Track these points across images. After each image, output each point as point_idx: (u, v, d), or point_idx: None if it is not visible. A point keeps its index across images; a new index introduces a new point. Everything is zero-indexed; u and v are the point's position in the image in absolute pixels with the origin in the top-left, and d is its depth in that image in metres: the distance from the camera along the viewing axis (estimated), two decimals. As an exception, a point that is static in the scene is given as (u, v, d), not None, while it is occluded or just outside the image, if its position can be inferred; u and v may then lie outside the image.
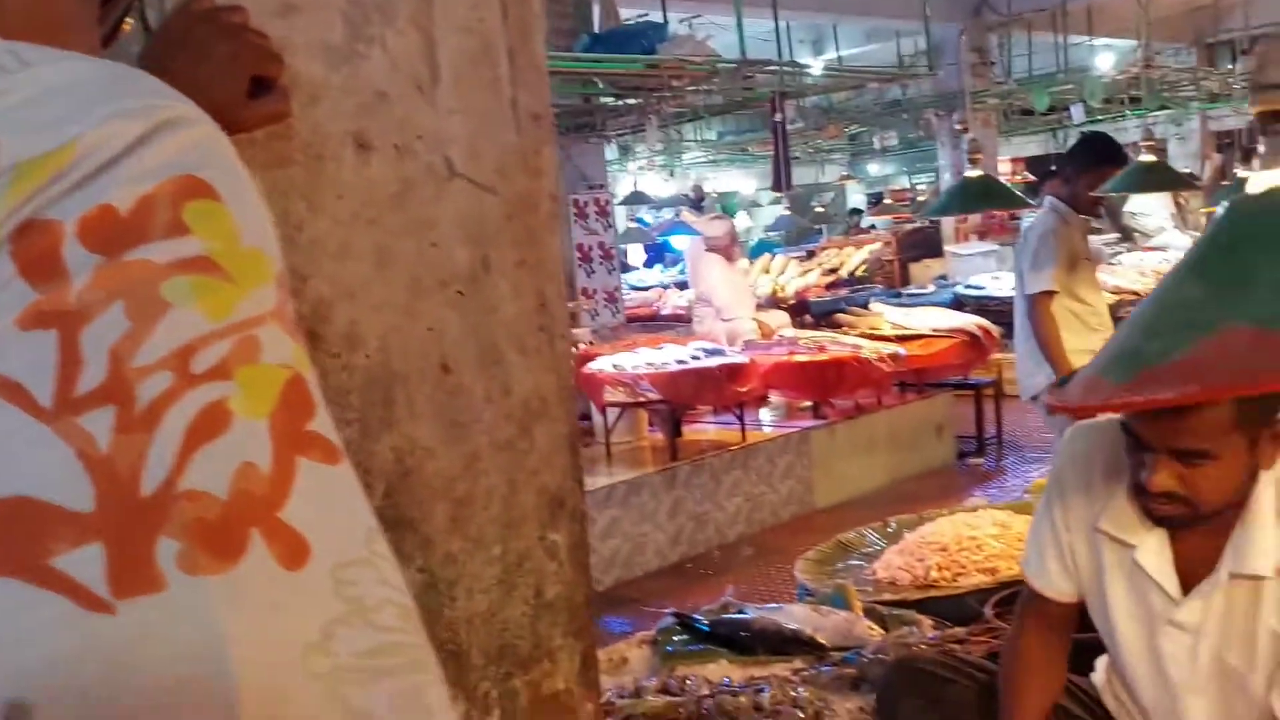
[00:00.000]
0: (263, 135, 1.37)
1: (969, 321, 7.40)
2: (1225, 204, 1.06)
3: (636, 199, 9.86)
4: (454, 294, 1.51)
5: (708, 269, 7.68)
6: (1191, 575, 1.74)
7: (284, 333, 0.64)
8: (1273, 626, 1.67)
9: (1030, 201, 4.64)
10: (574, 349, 6.05)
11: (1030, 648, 1.95)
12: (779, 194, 10.21)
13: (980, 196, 3.23)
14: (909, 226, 13.48)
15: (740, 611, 2.67)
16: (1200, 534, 1.71)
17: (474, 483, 1.53)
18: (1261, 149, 0.91)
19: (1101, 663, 2.01)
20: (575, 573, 1.64)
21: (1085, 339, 4.16)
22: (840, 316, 8.17)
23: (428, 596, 1.46)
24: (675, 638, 2.65)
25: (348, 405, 1.39)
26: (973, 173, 3.29)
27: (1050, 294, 4.17)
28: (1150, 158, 3.58)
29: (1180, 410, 1.56)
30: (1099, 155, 4.14)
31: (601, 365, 5.78)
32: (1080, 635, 2.00)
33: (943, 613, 2.59)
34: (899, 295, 10.63)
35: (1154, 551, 1.75)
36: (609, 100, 6.76)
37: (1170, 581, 1.75)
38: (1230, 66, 10.28)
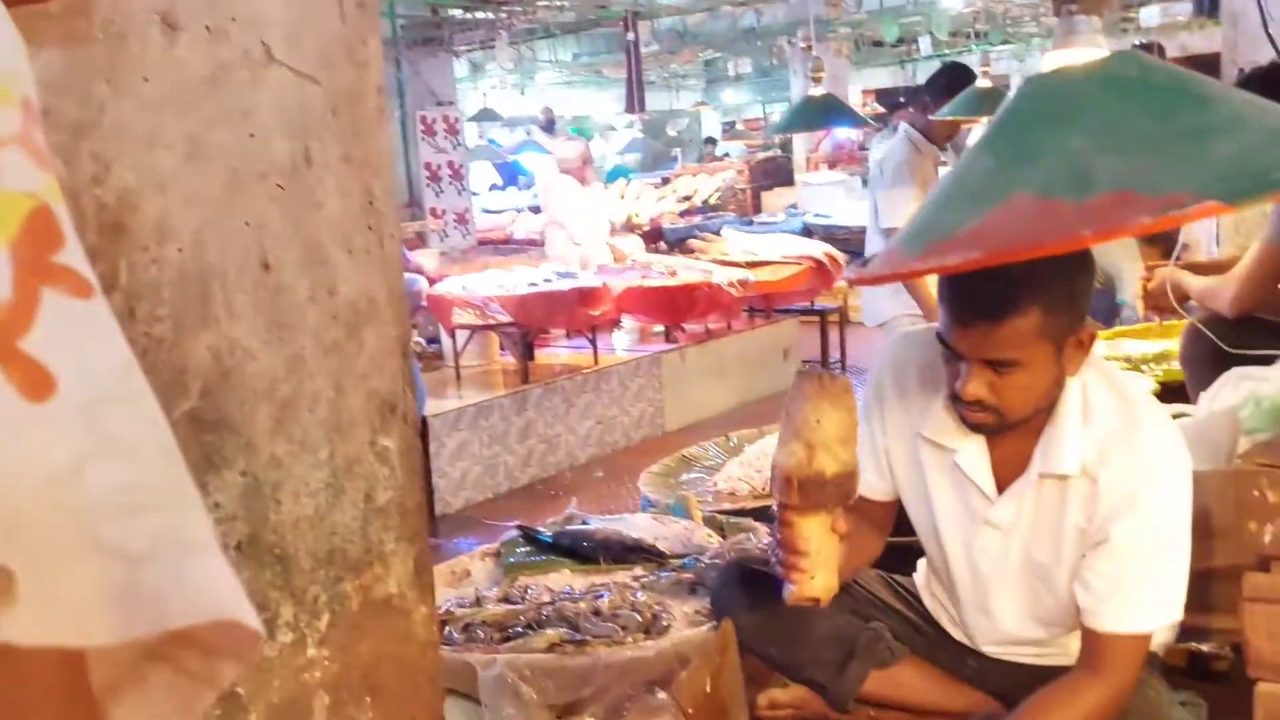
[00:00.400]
0: (58, 9, 1.28)
1: (816, 248, 7.54)
2: (1021, 83, 1.11)
3: (486, 116, 9.66)
4: (274, 188, 1.45)
5: (560, 192, 7.61)
6: (1007, 476, 1.82)
7: (30, 160, 0.60)
8: (1077, 522, 1.77)
9: (870, 122, 4.72)
10: (421, 271, 5.94)
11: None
12: (633, 117, 10.15)
13: (822, 114, 3.28)
14: (761, 156, 13.63)
15: (584, 523, 2.69)
16: (1015, 437, 1.79)
17: (299, 385, 1.48)
18: (1056, 30, 0.94)
19: (922, 563, 2.10)
20: (407, 478, 1.61)
21: None
22: (692, 242, 8.22)
23: (252, 500, 1.42)
24: (519, 549, 2.66)
25: (159, 301, 1.32)
26: (816, 91, 3.33)
27: None
28: (987, 84, 3.67)
29: (992, 321, 1.63)
30: (958, 84, 4.13)
31: (450, 287, 5.70)
32: (903, 539, 2.08)
33: (779, 520, 2.66)
34: (751, 223, 10.78)
35: (973, 455, 1.83)
36: (457, 13, 6.57)
37: (988, 483, 1.83)
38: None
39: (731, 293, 6.52)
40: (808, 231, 9.51)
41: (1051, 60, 0.97)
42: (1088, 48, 0.97)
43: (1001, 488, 1.83)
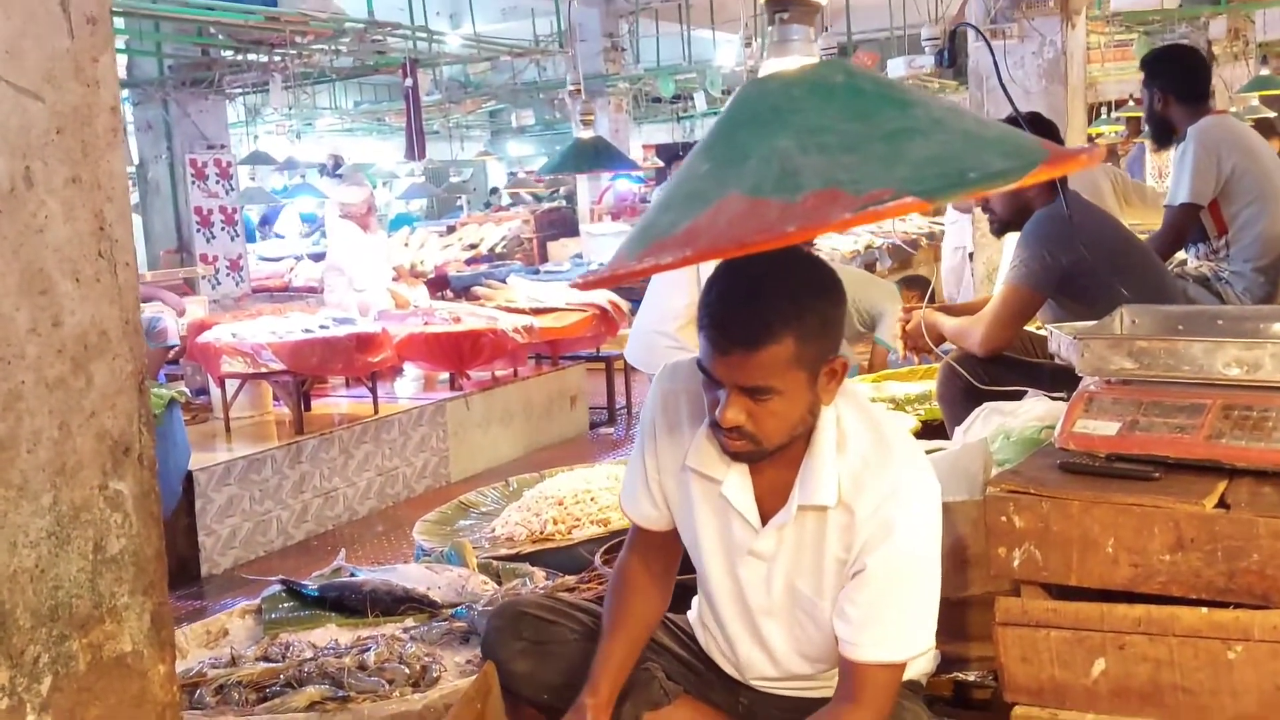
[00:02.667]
0: None
1: (600, 296, 7.60)
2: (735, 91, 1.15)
3: (259, 159, 9.32)
4: (-13, 209, 1.32)
5: (341, 237, 7.40)
6: (771, 507, 1.85)
7: None
8: (836, 554, 1.80)
9: (639, 165, 4.81)
10: (180, 315, 5.62)
11: (632, 567, 2.03)
12: (414, 163, 10.02)
13: (592, 156, 3.31)
14: (546, 206, 13.71)
15: (352, 575, 2.56)
16: (776, 468, 1.82)
17: (16, 424, 1.35)
18: (770, 38, 0.97)
19: (697, 600, 2.10)
20: (144, 525, 1.49)
21: None
22: (477, 289, 8.15)
23: (-43, 553, 1.28)
24: (281, 605, 2.51)
25: None
26: (585, 134, 3.35)
27: None
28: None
29: (748, 349, 1.67)
30: None
31: (218, 334, 5.41)
32: (681, 577, 2.08)
33: (557, 564, 2.62)
34: (538, 272, 10.79)
35: (737, 485, 1.85)
36: (228, 54, 6.33)
37: (751, 513, 1.85)
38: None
39: (516, 339, 6.47)
40: (593, 280, 9.58)
41: (766, 67, 1.00)
42: (799, 55, 1.00)
43: (765, 518, 1.85)
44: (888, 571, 1.76)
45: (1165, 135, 4.33)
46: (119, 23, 5.88)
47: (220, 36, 5.98)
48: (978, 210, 5.75)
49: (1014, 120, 3.26)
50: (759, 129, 0.91)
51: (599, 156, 3.28)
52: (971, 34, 6.78)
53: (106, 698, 1.42)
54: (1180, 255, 4.36)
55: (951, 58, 7.04)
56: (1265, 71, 9.11)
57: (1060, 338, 2.70)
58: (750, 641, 1.96)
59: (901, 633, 1.78)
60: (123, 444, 1.48)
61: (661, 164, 16.28)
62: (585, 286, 0.96)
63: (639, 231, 0.95)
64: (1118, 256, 3.24)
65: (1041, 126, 3.33)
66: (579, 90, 3.52)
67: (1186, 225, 4.13)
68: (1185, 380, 2.04)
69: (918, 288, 6.83)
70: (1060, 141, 3.48)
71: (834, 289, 1.76)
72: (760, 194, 0.84)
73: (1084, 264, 3.14)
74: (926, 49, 7.14)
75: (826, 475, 1.78)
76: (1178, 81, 4.23)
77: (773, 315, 1.66)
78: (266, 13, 5.39)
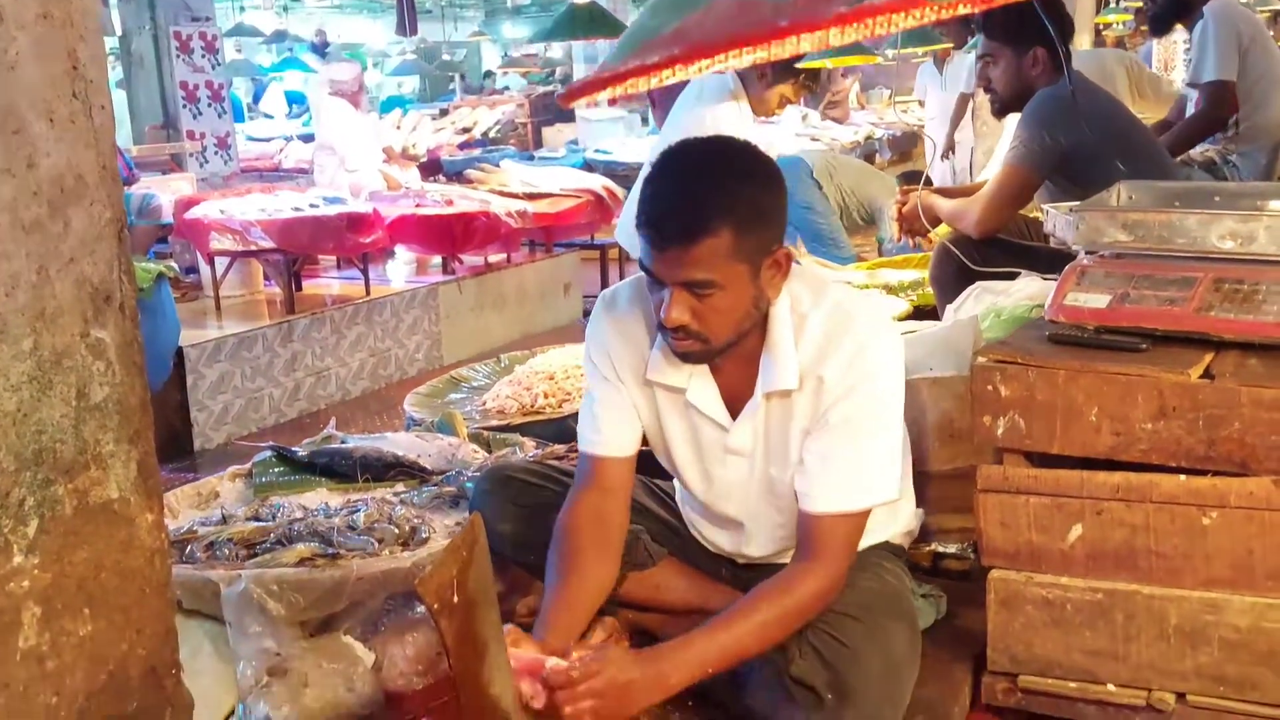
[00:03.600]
0: None
1: (595, 182, 7.53)
2: None
3: (243, 31, 9.10)
4: (-44, 43, 1.29)
5: (331, 115, 7.28)
6: (738, 403, 1.86)
7: None
8: (803, 426, 1.80)
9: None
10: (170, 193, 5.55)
11: (579, 535, 1.86)
12: (405, 40, 9.82)
13: (587, 24, 3.23)
14: (542, 90, 13.46)
15: (342, 442, 2.58)
16: (737, 364, 1.82)
17: (-7, 267, 1.33)
18: None
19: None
20: (127, 374, 1.49)
21: None
22: (470, 173, 8.05)
23: (-63, 394, 1.27)
24: (272, 469, 2.53)
25: None
26: (581, -1, 3.29)
27: None
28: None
29: (684, 243, 1.66)
30: None
31: (206, 210, 5.36)
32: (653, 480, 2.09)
33: (547, 435, 2.64)
34: (532, 158, 10.66)
35: (701, 389, 1.85)
36: (212, -79, 6.15)
37: (720, 413, 1.86)
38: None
39: (510, 223, 6.42)
40: (588, 167, 9.48)
41: None
42: None
43: (734, 415, 1.86)
44: (845, 421, 1.76)
45: (1175, 15, 4.24)
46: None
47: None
48: (980, 95, 5.66)
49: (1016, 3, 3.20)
50: None
51: (593, 23, 3.20)
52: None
53: (94, 542, 1.43)
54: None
55: None
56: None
57: (1056, 216, 2.68)
58: (731, 535, 2.00)
59: (856, 482, 1.76)
60: (103, 291, 1.46)
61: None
62: (567, 97, 0.93)
63: (626, 36, 0.92)
64: (1119, 139, 3.20)
65: (1050, 4, 3.26)
66: (574, -44, 3.43)
67: (1222, 101, 4.10)
68: (1178, 253, 2.03)
69: (917, 183, 6.75)
70: (1069, 23, 3.40)
71: (771, 177, 1.74)
72: None
73: (1084, 146, 3.10)
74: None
75: (787, 360, 1.78)
76: None
77: (706, 207, 1.65)
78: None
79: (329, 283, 6.29)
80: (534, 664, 1.56)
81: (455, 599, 1.30)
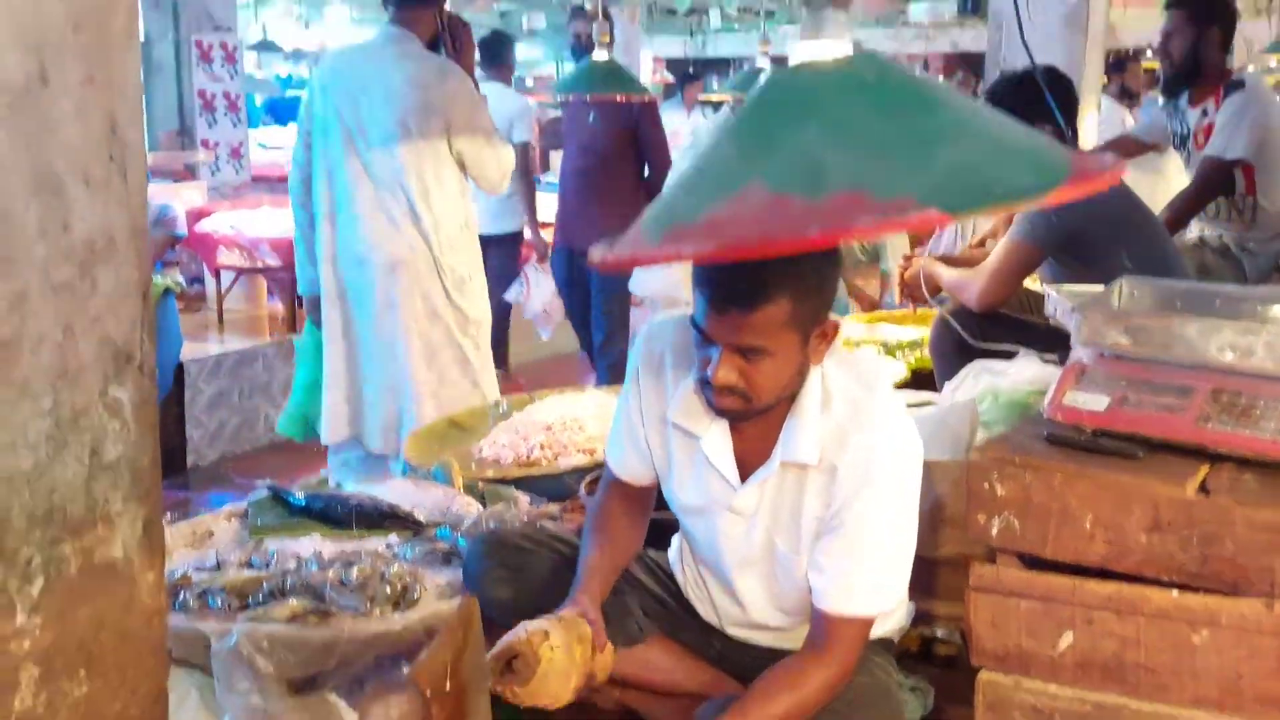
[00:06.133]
0: None
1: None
2: (766, 74, 1.15)
3: (267, 47, 9.16)
4: (2, 107, 1.31)
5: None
6: (750, 463, 1.88)
7: None
8: (815, 511, 1.83)
9: (646, 91, 4.81)
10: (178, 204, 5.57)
11: (610, 513, 2.06)
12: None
13: (604, 79, 3.28)
14: (553, 115, 13.50)
15: (339, 486, 2.59)
16: (757, 425, 1.84)
17: (21, 325, 1.35)
18: (804, 21, 0.96)
19: (677, 538, 2.14)
20: (141, 433, 1.50)
21: None
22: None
23: (-44, 450, 1.29)
24: (268, 511, 2.54)
25: None
26: (600, 55, 3.32)
27: None
28: (764, 66, 3.74)
29: (745, 309, 1.68)
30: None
31: (217, 225, 5.38)
32: (661, 515, 2.11)
33: (542, 490, 2.65)
34: (539, 181, 10.68)
35: (716, 441, 1.87)
36: (241, -64, 6.20)
37: (730, 470, 1.88)
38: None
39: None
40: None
41: (800, 52, 0.98)
42: (834, 40, 0.99)
43: (744, 475, 1.88)
44: (864, 526, 1.79)
45: (1189, 78, 4.17)
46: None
47: (235, -82, 5.84)
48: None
49: (1030, 75, 3.23)
50: (787, 119, 0.91)
51: (610, 78, 3.25)
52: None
53: (96, 600, 1.44)
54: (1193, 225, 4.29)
55: (974, 3, 6.94)
56: (1288, 35, 9.04)
57: (1058, 302, 2.71)
58: (726, 593, 2.00)
59: (873, 588, 1.81)
60: (125, 351, 1.48)
61: (672, 79, 16.01)
62: (605, 267, 0.95)
63: (662, 210, 0.94)
64: (1122, 222, 3.23)
65: (1057, 83, 3.29)
66: (597, 11, 3.47)
67: (1231, 181, 4.02)
68: (1178, 361, 2.05)
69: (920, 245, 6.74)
70: (1074, 101, 3.43)
71: (829, 249, 1.77)
72: (784, 188, 0.84)
73: (1087, 227, 3.14)
74: (949, -11, 7.09)
75: (810, 433, 1.80)
76: (1226, 29, 4.10)
77: (771, 275, 1.67)
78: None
79: (332, 300, 6.29)
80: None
81: (448, 686, 1.32)
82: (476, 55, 3.86)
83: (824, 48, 0.97)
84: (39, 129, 1.35)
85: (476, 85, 3.60)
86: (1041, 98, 3.15)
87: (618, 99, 4.17)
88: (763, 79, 0.96)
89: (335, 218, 3.55)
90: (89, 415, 1.44)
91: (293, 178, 3.70)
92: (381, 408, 3.57)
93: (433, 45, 3.55)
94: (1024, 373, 2.97)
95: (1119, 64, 7.69)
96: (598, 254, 1.00)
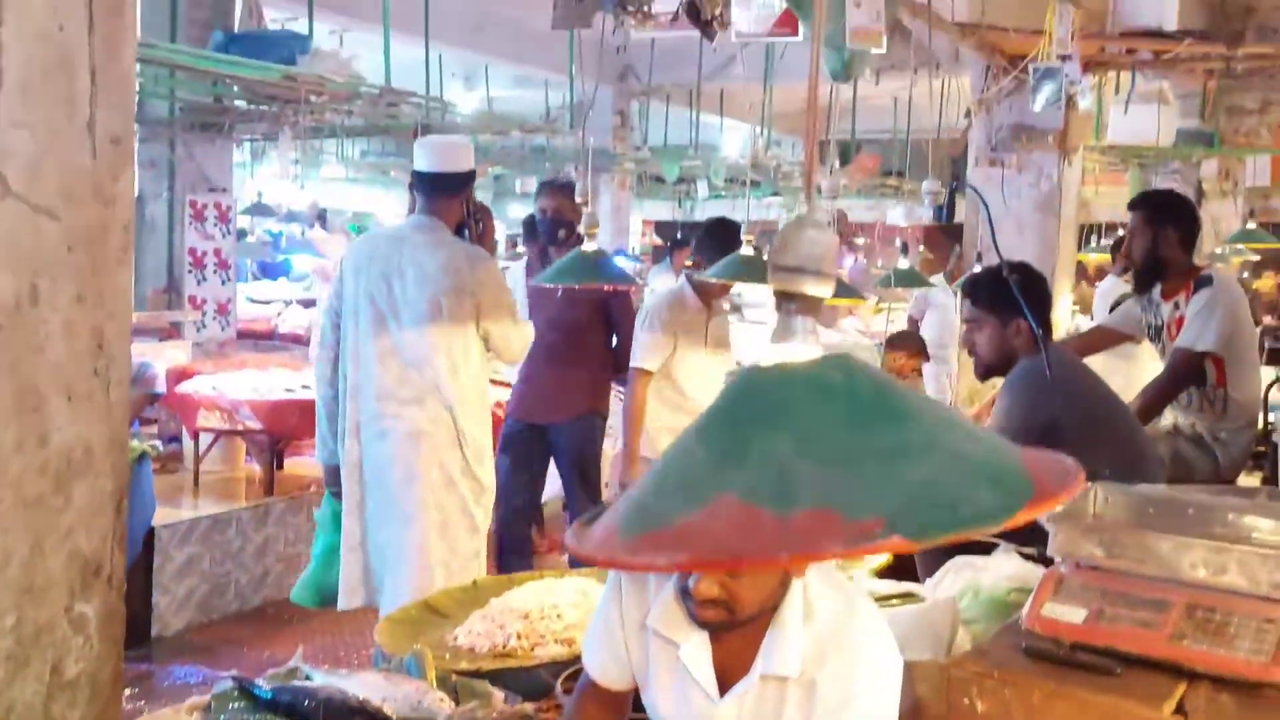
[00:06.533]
0: None
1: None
2: (737, 373, 1.18)
3: (260, 211, 9.35)
4: (-11, 327, 1.33)
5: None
6: (731, 674, 1.85)
7: None
8: None
9: (636, 281, 4.91)
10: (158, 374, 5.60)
11: (587, 718, 2.01)
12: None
13: (592, 269, 3.38)
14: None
15: (307, 678, 2.52)
16: (738, 635, 1.82)
17: (-11, 543, 1.34)
18: (775, 326, 1.00)
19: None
20: (105, 647, 1.48)
21: (676, 419, 4.40)
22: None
23: (-89, 675, 1.26)
24: (232, 704, 2.47)
25: None
26: (590, 247, 3.42)
27: (646, 373, 4.41)
28: (750, 252, 3.83)
29: None
30: (728, 243, 4.23)
31: (199, 386, 5.39)
32: (636, 716, 2.06)
33: (517, 684, 2.58)
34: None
35: (696, 651, 1.85)
36: (241, 104, 6.39)
37: (710, 682, 1.85)
38: (835, 164, 11.33)
39: (498, 413, 6.45)
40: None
41: (770, 354, 1.01)
42: (801, 345, 1.02)
43: (724, 688, 1.85)
44: None
45: (1152, 276, 4.29)
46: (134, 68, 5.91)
47: (235, 89, 6.03)
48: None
49: (1000, 273, 3.34)
50: (755, 425, 0.93)
51: (598, 269, 3.35)
52: (972, 160, 6.94)
53: (45, 826, 1.39)
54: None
55: (949, 213, 7.20)
56: (1251, 225, 9.33)
57: (1034, 502, 2.72)
58: None
59: None
60: (94, 564, 1.47)
61: (660, 242, 16.36)
62: (579, 556, 0.96)
63: (634, 509, 0.96)
64: (1093, 419, 3.28)
65: (1030, 281, 3.39)
66: (585, 202, 3.59)
67: (1202, 373, 4.09)
68: (1151, 576, 2.06)
69: (905, 346, 6.77)
70: (1046, 294, 3.52)
71: None
72: (755, 500, 0.86)
73: (1060, 422, 3.18)
74: (927, 201, 7.45)
75: (792, 645, 1.78)
76: (1185, 229, 4.24)
77: None
78: (285, 71, 5.44)
79: (311, 461, 6.26)
80: None
81: None
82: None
83: (793, 350, 1.01)
84: (25, 348, 1.37)
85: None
86: (1013, 295, 3.24)
87: (603, 288, 4.27)
88: (732, 379, 0.99)
89: (359, 394, 3.64)
90: (52, 631, 1.42)
91: (320, 357, 3.83)
92: (396, 576, 3.64)
93: (458, 230, 3.75)
94: (1003, 569, 2.96)
95: (1119, 243, 7.93)
96: (574, 539, 1.01)
